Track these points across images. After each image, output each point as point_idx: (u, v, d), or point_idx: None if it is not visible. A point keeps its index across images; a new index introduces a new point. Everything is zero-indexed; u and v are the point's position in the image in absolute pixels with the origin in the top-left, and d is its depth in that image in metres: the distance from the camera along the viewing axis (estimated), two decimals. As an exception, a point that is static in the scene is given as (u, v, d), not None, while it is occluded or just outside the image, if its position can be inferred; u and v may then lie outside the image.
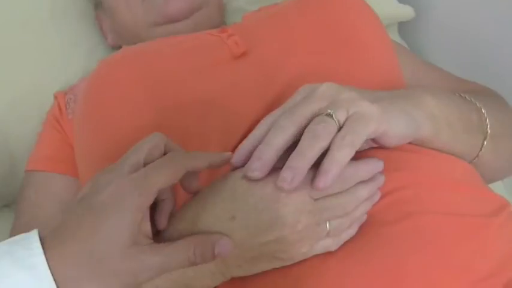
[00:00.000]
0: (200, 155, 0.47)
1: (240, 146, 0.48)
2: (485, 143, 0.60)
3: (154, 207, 0.46)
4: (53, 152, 0.73)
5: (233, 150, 0.57)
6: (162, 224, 0.46)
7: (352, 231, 0.49)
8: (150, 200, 0.42)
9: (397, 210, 0.51)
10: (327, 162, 0.45)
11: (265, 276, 0.49)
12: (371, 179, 0.49)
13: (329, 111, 0.46)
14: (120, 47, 0.82)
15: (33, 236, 0.41)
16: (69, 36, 0.87)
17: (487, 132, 0.60)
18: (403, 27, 1.09)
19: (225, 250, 0.45)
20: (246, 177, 0.46)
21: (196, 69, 0.62)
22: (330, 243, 0.48)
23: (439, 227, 0.50)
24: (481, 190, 0.57)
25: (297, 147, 0.45)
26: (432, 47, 1.06)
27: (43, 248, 0.40)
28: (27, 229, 0.67)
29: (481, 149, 0.60)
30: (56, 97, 0.77)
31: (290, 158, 0.45)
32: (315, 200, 0.46)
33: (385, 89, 0.59)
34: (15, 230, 0.71)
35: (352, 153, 0.45)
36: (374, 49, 0.65)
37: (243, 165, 0.47)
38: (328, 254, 0.49)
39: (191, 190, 0.49)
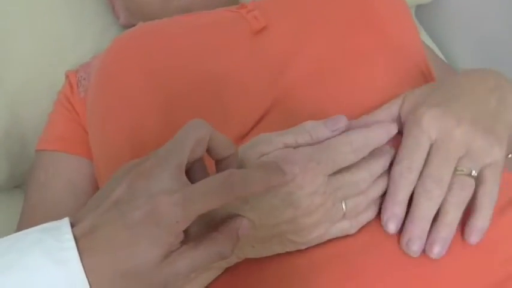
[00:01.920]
0: (256, 175, 0.42)
1: (391, 214, 0.47)
2: None
3: None
4: (63, 131, 0.71)
5: (251, 128, 0.56)
6: None
7: (371, 214, 0.48)
8: (187, 225, 0.40)
9: None
10: (481, 221, 0.47)
11: (282, 257, 0.48)
12: (382, 153, 0.48)
13: (473, 173, 0.47)
14: (133, 26, 0.80)
15: (64, 226, 0.39)
16: (81, 16, 0.86)
17: None
18: (420, 10, 1.07)
19: (246, 230, 0.44)
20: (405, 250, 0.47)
21: (215, 46, 0.61)
22: (347, 226, 0.47)
23: None
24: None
25: (446, 218, 0.46)
26: (449, 31, 1.04)
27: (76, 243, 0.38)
28: (35, 211, 0.68)
29: None
30: (67, 76, 0.76)
31: (440, 228, 0.46)
32: (328, 177, 0.45)
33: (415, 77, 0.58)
34: (24, 212, 0.70)
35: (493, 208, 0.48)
36: (396, 34, 0.62)
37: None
38: (347, 237, 0.47)
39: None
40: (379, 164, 0.48)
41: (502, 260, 0.48)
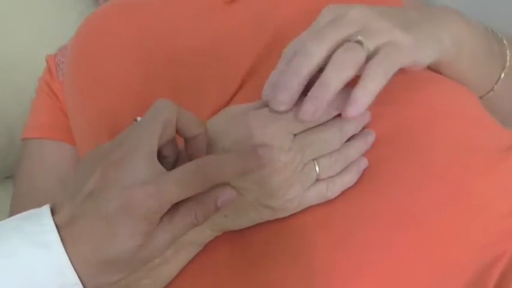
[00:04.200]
0: (230, 162, 0.42)
1: (270, 77, 0.46)
2: (502, 75, 0.57)
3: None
4: (46, 118, 0.70)
5: (229, 100, 0.55)
6: None
7: (350, 177, 0.46)
8: (162, 213, 0.40)
9: (406, 146, 0.48)
10: (359, 91, 0.42)
11: (266, 229, 0.47)
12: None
13: (359, 38, 0.43)
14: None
15: (44, 212, 0.39)
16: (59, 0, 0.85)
17: (506, 64, 0.57)
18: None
19: (228, 199, 0.42)
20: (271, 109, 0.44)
21: (187, 17, 0.59)
22: (323, 189, 0.45)
23: (453, 162, 0.47)
24: (495, 125, 0.54)
25: (321, 77, 0.42)
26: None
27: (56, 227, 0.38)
28: (23, 200, 0.67)
29: (497, 82, 0.57)
30: (47, 61, 0.75)
31: (313, 88, 0.42)
32: (295, 135, 0.44)
33: None
34: (13, 202, 0.69)
35: (385, 82, 0.43)
36: None
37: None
38: (329, 202, 0.46)
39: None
40: (351, 124, 0.46)
41: (499, 216, 0.47)
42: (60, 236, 0.38)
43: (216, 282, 0.49)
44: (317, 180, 0.45)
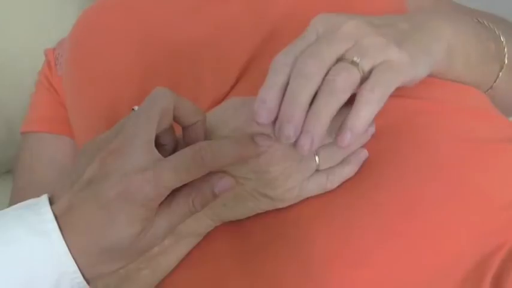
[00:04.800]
0: (227, 148, 0.41)
1: (261, 101, 0.41)
2: (500, 74, 0.56)
3: None
4: (46, 112, 0.70)
5: (228, 92, 0.54)
6: None
7: (350, 168, 0.46)
8: (161, 200, 0.40)
9: (411, 137, 0.48)
10: (353, 119, 0.40)
11: (264, 219, 0.47)
12: None
13: (355, 58, 0.41)
14: None
15: (43, 201, 0.40)
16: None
17: (504, 62, 0.56)
18: None
19: (225, 187, 0.42)
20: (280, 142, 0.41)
21: (185, 10, 0.59)
22: (323, 180, 0.45)
23: (456, 153, 0.47)
24: (497, 116, 0.54)
25: (313, 106, 0.40)
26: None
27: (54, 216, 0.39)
28: (23, 194, 0.67)
29: (495, 80, 0.56)
30: (46, 55, 0.75)
31: (306, 120, 0.40)
32: None
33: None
34: (13, 196, 0.69)
35: (381, 106, 0.41)
36: None
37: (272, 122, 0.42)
38: (329, 192, 0.46)
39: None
40: None
41: (500, 207, 0.47)
42: (59, 224, 0.38)
43: (215, 272, 0.49)
44: (317, 170, 0.45)
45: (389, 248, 0.44)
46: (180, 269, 0.50)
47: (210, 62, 0.56)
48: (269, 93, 0.41)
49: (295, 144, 0.41)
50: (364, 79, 0.41)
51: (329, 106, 0.40)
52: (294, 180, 0.44)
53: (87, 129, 0.61)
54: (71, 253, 0.38)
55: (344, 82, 0.40)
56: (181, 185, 0.40)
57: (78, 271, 0.38)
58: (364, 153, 0.47)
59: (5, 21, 0.80)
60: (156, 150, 0.41)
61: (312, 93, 0.41)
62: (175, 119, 0.43)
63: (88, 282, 0.40)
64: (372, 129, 0.47)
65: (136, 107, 0.44)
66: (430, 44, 0.48)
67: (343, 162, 0.46)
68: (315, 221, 0.46)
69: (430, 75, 0.51)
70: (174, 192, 0.41)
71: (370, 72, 0.41)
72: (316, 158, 0.45)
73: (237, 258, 0.48)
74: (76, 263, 0.38)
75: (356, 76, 0.41)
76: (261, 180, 0.44)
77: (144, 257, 0.47)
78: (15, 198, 0.69)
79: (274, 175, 0.44)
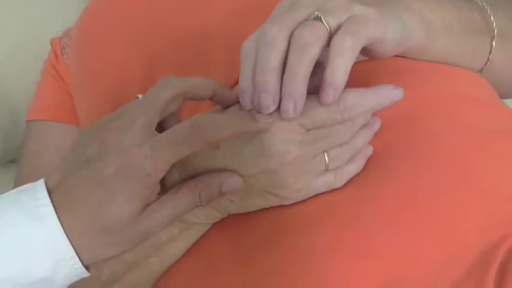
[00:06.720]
0: (225, 119, 0.41)
1: (241, 92, 0.43)
2: (493, 43, 0.54)
3: None
4: (52, 100, 0.70)
5: (235, 84, 0.54)
6: None
7: (357, 166, 0.46)
8: (160, 176, 0.40)
9: (410, 129, 0.48)
10: (330, 73, 0.40)
11: (270, 210, 0.47)
12: None
13: (316, 13, 0.41)
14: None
15: (39, 186, 0.40)
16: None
17: (494, 32, 0.54)
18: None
19: (233, 187, 0.42)
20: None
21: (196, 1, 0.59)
22: (331, 179, 0.45)
23: (460, 144, 0.47)
24: (501, 106, 0.53)
25: (286, 67, 0.40)
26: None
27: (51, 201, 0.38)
28: (26, 181, 0.65)
29: (490, 52, 0.54)
30: (52, 43, 0.75)
31: (284, 82, 0.40)
32: (308, 130, 0.43)
33: None
34: (17, 182, 0.69)
35: (355, 58, 0.41)
36: None
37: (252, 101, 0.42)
38: (334, 191, 0.46)
39: None
40: (362, 116, 0.45)
41: (504, 198, 0.47)
42: (55, 206, 0.38)
43: (219, 262, 0.49)
44: (325, 170, 0.45)
45: (393, 238, 0.44)
46: (185, 258, 0.50)
47: (218, 52, 0.55)
48: (245, 82, 0.42)
49: (279, 112, 0.41)
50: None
51: (302, 62, 0.40)
52: (303, 181, 0.44)
53: (93, 116, 0.61)
54: (68, 235, 0.38)
55: (310, 35, 0.40)
56: (180, 158, 0.40)
57: (76, 256, 0.38)
58: (370, 150, 0.47)
59: (10, 9, 0.80)
60: (155, 130, 0.41)
61: (280, 58, 0.41)
62: (193, 99, 0.43)
63: (88, 269, 0.40)
64: (378, 126, 0.47)
65: (140, 95, 0.44)
66: (399, 13, 0.47)
67: (350, 160, 0.46)
68: (320, 211, 0.46)
69: (415, 55, 0.50)
70: (183, 183, 0.41)
71: (339, 28, 0.41)
72: (326, 159, 0.44)
73: (242, 247, 0.48)
74: (73, 245, 0.38)
75: (322, 29, 0.41)
76: (271, 181, 0.44)
77: (152, 245, 0.47)
78: (18, 185, 0.68)
79: (284, 177, 0.43)
